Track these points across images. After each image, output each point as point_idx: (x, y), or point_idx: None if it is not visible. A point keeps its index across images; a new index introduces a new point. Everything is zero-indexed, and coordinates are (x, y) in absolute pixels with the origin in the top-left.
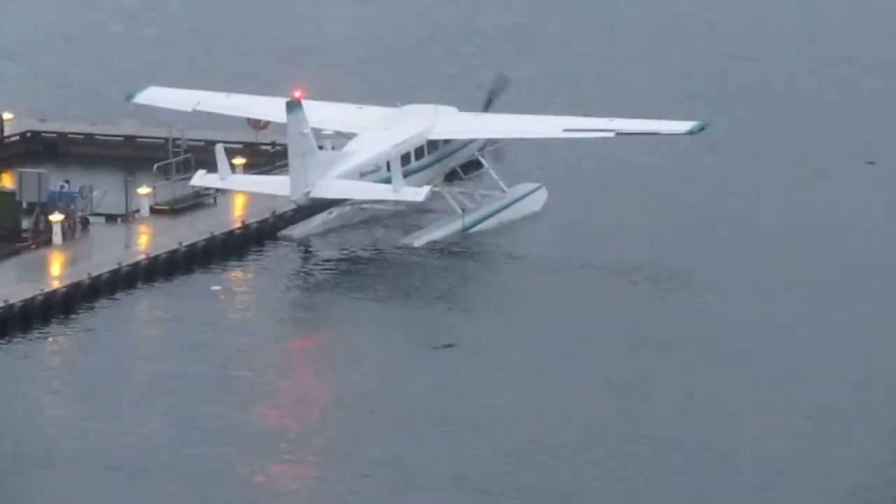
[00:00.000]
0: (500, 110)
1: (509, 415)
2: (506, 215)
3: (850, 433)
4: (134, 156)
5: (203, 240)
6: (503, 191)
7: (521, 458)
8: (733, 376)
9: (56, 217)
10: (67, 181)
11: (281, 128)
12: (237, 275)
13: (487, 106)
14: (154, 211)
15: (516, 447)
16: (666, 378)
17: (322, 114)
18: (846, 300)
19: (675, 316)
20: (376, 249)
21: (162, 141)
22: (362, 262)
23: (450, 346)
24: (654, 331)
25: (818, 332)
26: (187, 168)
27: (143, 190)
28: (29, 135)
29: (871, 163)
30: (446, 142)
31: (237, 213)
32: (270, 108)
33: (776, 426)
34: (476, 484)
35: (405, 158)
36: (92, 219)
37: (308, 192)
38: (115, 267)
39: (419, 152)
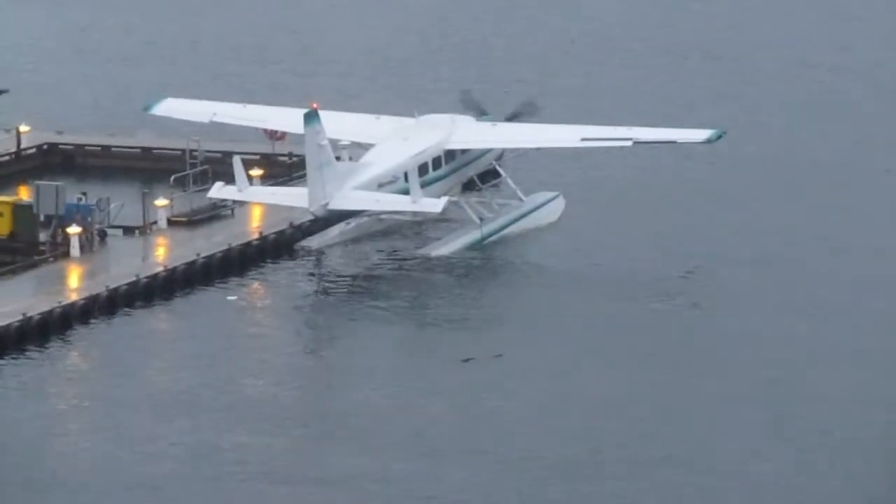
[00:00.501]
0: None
1: (526, 429)
2: (524, 224)
3: (850, 445)
4: (151, 167)
5: (220, 251)
6: (521, 200)
7: (539, 473)
8: (748, 390)
9: (73, 229)
10: (85, 193)
11: (298, 139)
12: (255, 286)
13: (510, 120)
14: (171, 223)
15: (533, 461)
16: (679, 393)
17: (339, 124)
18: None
19: (691, 329)
20: (394, 260)
21: (179, 152)
22: (379, 273)
23: (468, 360)
24: (671, 344)
25: (838, 348)
26: (204, 180)
27: (161, 202)
28: (46, 147)
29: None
30: (463, 151)
31: (255, 224)
32: (287, 119)
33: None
34: (491, 497)
35: (423, 169)
36: (109, 231)
37: (326, 204)
38: (133, 279)
39: (437, 162)
